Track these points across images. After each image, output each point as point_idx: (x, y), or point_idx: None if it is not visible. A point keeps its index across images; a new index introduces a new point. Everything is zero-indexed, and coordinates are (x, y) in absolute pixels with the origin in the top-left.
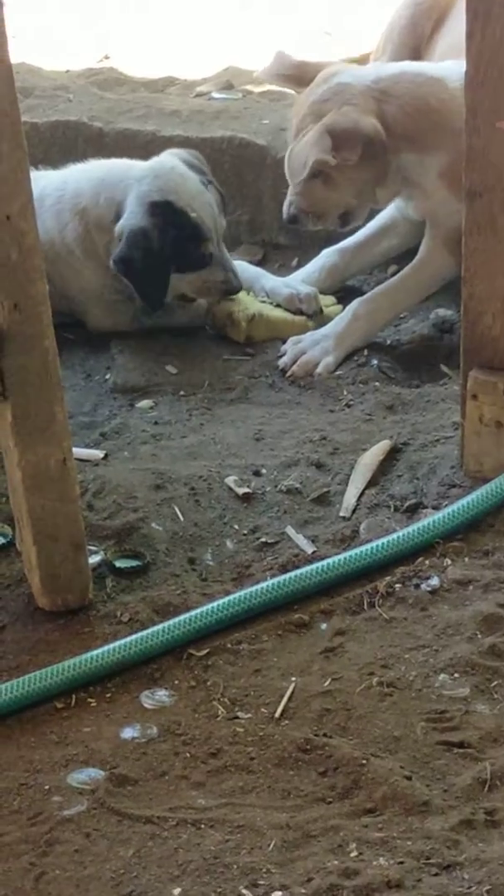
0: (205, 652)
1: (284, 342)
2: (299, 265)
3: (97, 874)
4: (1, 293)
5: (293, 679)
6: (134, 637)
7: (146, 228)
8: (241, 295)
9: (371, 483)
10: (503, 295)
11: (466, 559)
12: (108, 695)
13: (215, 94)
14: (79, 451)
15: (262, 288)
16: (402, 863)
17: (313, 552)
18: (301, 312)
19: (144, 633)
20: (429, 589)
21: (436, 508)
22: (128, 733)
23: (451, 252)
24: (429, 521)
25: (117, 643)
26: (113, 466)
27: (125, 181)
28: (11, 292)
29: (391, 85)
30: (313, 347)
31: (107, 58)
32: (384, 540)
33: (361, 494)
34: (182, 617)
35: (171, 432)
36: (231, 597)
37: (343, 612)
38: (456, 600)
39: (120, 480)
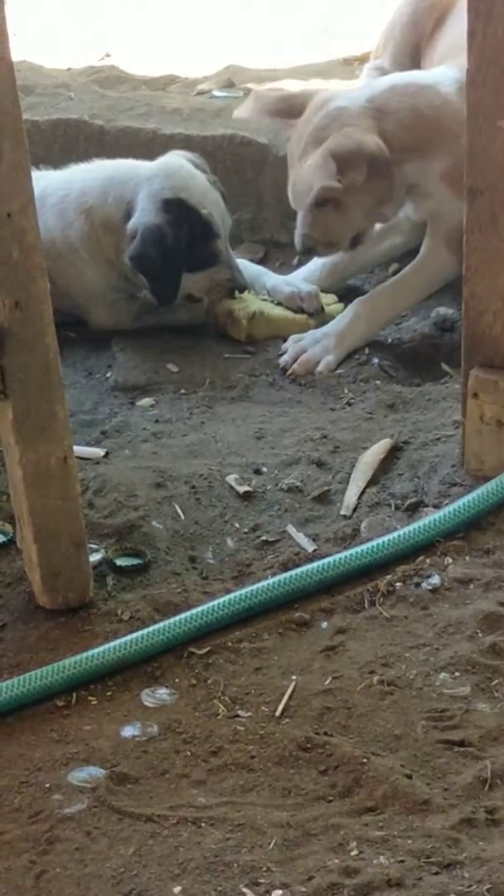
0: (205, 650)
1: (285, 340)
2: (300, 263)
3: (98, 872)
4: (2, 291)
5: (294, 677)
6: (134, 635)
7: (160, 225)
8: (243, 293)
9: (372, 481)
10: None
11: (467, 558)
12: (109, 693)
13: (216, 93)
14: (80, 450)
15: (263, 286)
16: (402, 861)
17: (314, 550)
18: (302, 311)
19: (145, 631)
20: (429, 587)
21: (436, 507)
22: (128, 731)
23: (453, 251)
24: (429, 519)
25: (118, 641)
26: (114, 464)
27: (134, 180)
28: (12, 290)
29: (385, 101)
30: (314, 346)
31: (108, 56)
32: (385, 538)
33: (362, 493)
34: (183, 615)
35: (172, 430)
36: (232, 595)
37: (344, 611)
38: (457, 599)
39: (121, 479)
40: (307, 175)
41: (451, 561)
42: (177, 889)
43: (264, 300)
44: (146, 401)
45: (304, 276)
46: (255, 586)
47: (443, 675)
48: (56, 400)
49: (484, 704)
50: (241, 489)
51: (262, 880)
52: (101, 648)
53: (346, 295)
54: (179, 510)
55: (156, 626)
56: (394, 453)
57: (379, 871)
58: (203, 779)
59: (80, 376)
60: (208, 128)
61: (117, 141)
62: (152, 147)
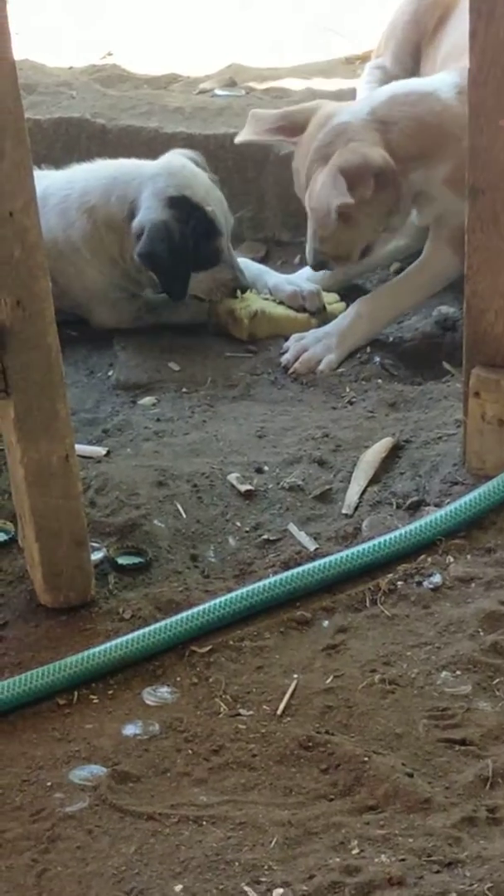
0: (207, 649)
1: (287, 339)
2: (302, 262)
3: (99, 871)
4: (4, 290)
5: (295, 676)
6: (136, 634)
7: (167, 221)
8: (245, 293)
9: (373, 480)
10: None
11: (468, 557)
12: (110, 691)
13: (218, 91)
14: (81, 448)
15: (265, 285)
16: (403, 860)
17: (315, 549)
18: (304, 309)
19: (146, 629)
20: (431, 586)
21: (438, 506)
22: (130, 730)
23: (456, 251)
24: (431, 518)
25: (119, 640)
26: (115, 463)
27: (137, 179)
28: (14, 289)
29: (387, 112)
30: (316, 344)
31: (110, 54)
32: (386, 537)
33: (364, 492)
34: (184, 614)
35: (174, 429)
36: (233, 594)
37: (345, 610)
38: (458, 598)
39: (122, 477)
40: (321, 195)
41: (452, 560)
42: (178, 887)
43: (266, 299)
44: (148, 399)
45: (307, 276)
46: (256, 585)
47: (444, 673)
48: (58, 398)
49: (485, 703)
50: (243, 488)
51: (263, 879)
52: (102, 647)
53: (349, 294)
54: (181, 509)
55: (157, 625)
56: (395, 452)
57: (380, 870)
58: (204, 777)
59: (81, 375)
60: (210, 126)
61: (119, 140)
62: (154, 146)
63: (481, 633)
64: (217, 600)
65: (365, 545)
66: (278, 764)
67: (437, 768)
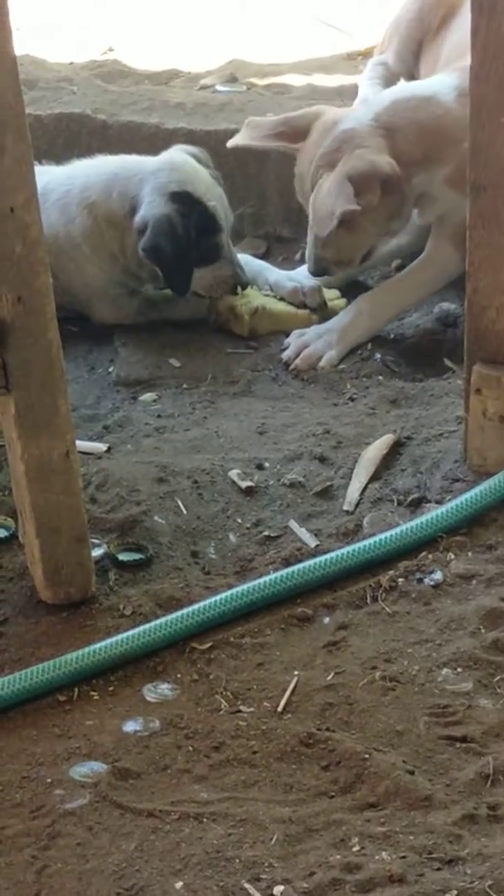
0: (207, 645)
1: (288, 336)
2: (303, 258)
3: (99, 867)
4: (5, 286)
5: (296, 673)
6: (136, 630)
7: (170, 215)
8: (245, 289)
9: (374, 477)
10: None
11: (469, 554)
12: (111, 688)
13: (219, 87)
14: (82, 444)
15: (265, 281)
16: (404, 857)
17: (316, 546)
18: (305, 306)
19: (147, 626)
20: (432, 583)
21: (439, 503)
22: (130, 727)
23: (457, 248)
24: (432, 515)
25: (120, 636)
26: (116, 459)
27: (139, 175)
28: (15, 285)
29: (390, 118)
30: (317, 341)
31: (111, 50)
32: (387, 534)
33: (365, 488)
34: (185, 610)
35: (175, 425)
36: (234, 590)
37: (346, 607)
38: (459, 595)
39: (123, 473)
40: (326, 200)
41: (453, 557)
42: (178, 884)
43: (267, 295)
44: (148, 396)
45: (307, 272)
46: (257, 581)
47: (445, 670)
48: (58, 395)
49: (486, 700)
50: (244, 484)
51: (263, 876)
52: (102, 643)
53: (350, 290)
54: (181, 505)
55: (158, 622)
56: (396, 449)
57: (381, 867)
58: (205, 774)
59: (82, 371)
60: (211, 122)
61: (120, 135)
62: (155, 141)
63: (482, 630)
64: (218, 597)
65: (366, 542)
66: (279, 761)
67: (438, 765)
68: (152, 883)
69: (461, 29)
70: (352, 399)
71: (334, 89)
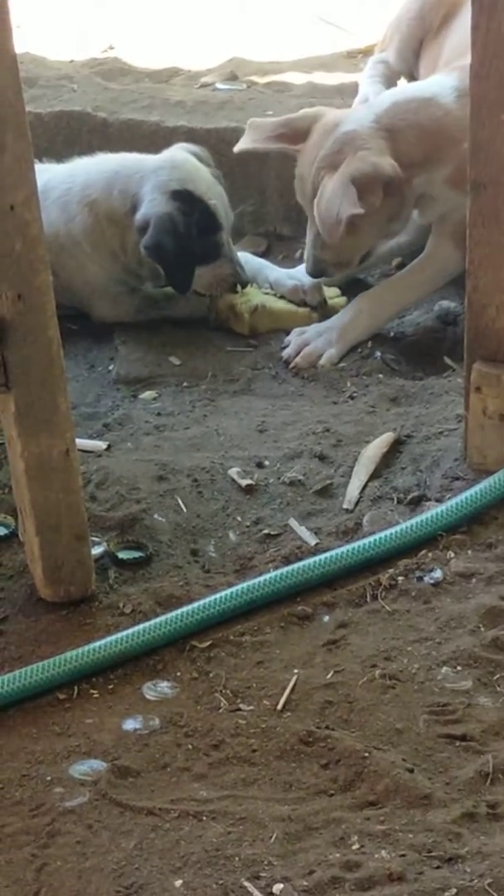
0: (207, 644)
1: (288, 334)
2: (303, 257)
3: (99, 866)
4: (5, 283)
5: (295, 671)
6: (136, 628)
7: (172, 213)
8: (245, 288)
9: (374, 475)
10: None
11: (469, 552)
12: (111, 686)
13: (220, 85)
14: (82, 442)
15: (265, 279)
16: (403, 855)
17: (316, 544)
18: (305, 304)
19: (147, 624)
20: (432, 581)
21: (439, 501)
22: (130, 725)
23: (458, 246)
24: (432, 513)
25: (119, 634)
26: (116, 457)
27: (140, 173)
28: (15, 283)
29: (391, 121)
30: (317, 339)
31: (111, 48)
32: (387, 532)
33: (364, 487)
34: (184, 608)
35: (174, 423)
36: (233, 588)
37: (346, 605)
38: (459, 593)
39: (123, 471)
40: (331, 204)
41: (453, 555)
42: (178, 882)
43: (267, 293)
44: (148, 394)
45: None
46: (256, 580)
47: (444, 669)
48: (58, 392)
49: (486, 699)
50: (244, 482)
51: (263, 874)
52: (102, 641)
53: (350, 288)
54: (181, 503)
55: (157, 620)
56: (396, 447)
57: (380, 866)
58: (204, 772)
59: (82, 369)
60: (211, 120)
61: (120, 133)
62: (155, 139)
63: (482, 629)
64: (217, 595)
65: (365, 540)
66: (278, 759)
67: (438, 764)
68: (152, 881)
69: (462, 28)
70: (352, 397)
71: (335, 87)
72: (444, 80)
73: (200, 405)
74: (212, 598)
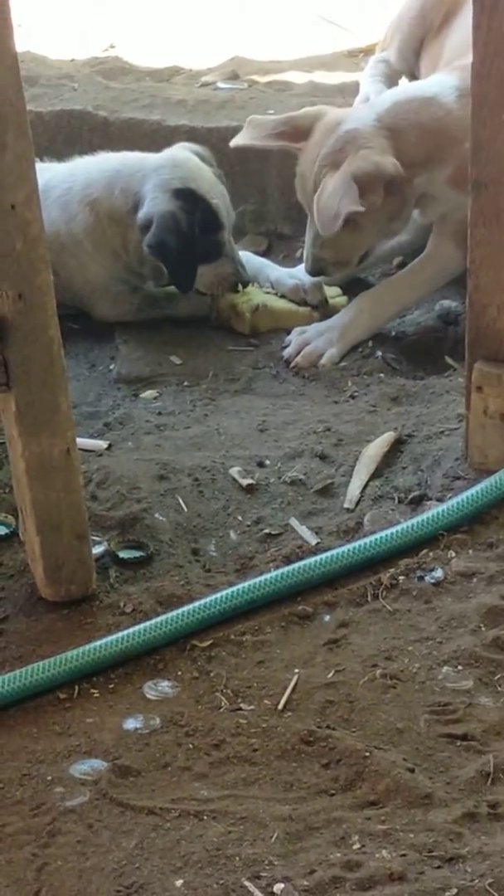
0: (208, 643)
1: (289, 333)
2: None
3: (99, 865)
4: (5, 283)
5: (296, 671)
6: (137, 628)
7: (174, 212)
8: (246, 287)
9: (375, 475)
10: None
11: (470, 551)
12: (111, 685)
13: (221, 84)
14: (82, 442)
15: (266, 278)
16: (404, 855)
17: (317, 544)
18: (306, 303)
19: (147, 623)
20: (433, 581)
21: (440, 500)
22: (130, 724)
23: (459, 245)
24: (433, 513)
25: (120, 634)
26: (116, 457)
27: (142, 171)
28: (16, 282)
29: (392, 120)
30: (318, 338)
31: (112, 47)
32: (388, 532)
33: (365, 486)
34: (185, 608)
35: (175, 423)
36: (234, 588)
37: (347, 604)
38: (460, 592)
39: (123, 471)
40: (331, 200)
41: (454, 554)
42: (178, 882)
43: (268, 293)
44: (149, 393)
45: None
46: (257, 579)
47: (445, 668)
48: (59, 392)
49: (487, 698)
50: (244, 482)
51: (263, 874)
52: (103, 641)
53: (351, 287)
54: (182, 503)
55: (158, 619)
56: (397, 446)
57: (381, 865)
58: (205, 772)
59: (83, 368)
60: (212, 119)
61: (121, 132)
62: (156, 138)
63: (483, 628)
64: (218, 594)
65: (366, 540)
66: (279, 759)
67: (439, 763)
68: (152, 881)
69: (463, 27)
70: (353, 397)
71: (336, 87)
72: (445, 79)
73: (201, 404)
74: (212, 597)
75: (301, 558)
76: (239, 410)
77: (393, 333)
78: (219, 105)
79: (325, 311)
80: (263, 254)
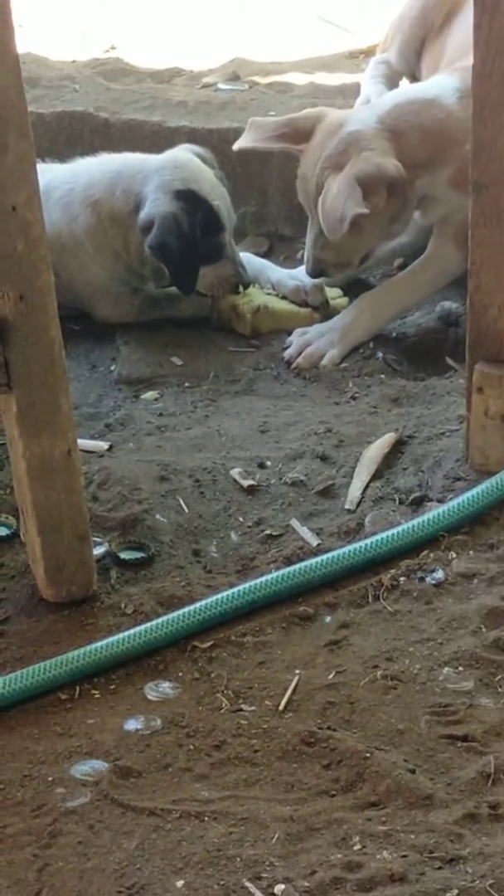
0: (209, 644)
1: (290, 334)
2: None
3: (100, 866)
4: (6, 284)
5: (297, 672)
6: (138, 629)
7: (176, 213)
8: (247, 288)
9: (376, 476)
10: None
11: (471, 552)
12: (112, 686)
13: (221, 85)
14: (83, 443)
15: (267, 280)
16: (405, 856)
17: (318, 545)
18: (307, 304)
19: (148, 624)
20: (433, 582)
21: (441, 502)
22: (131, 725)
23: (459, 247)
24: (433, 514)
25: (121, 635)
26: (118, 458)
27: (143, 172)
28: (17, 283)
29: (394, 122)
30: (319, 339)
31: (113, 48)
32: (389, 533)
33: (366, 487)
34: (186, 609)
35: (176, 424)
36: (235, 589)
37: (347, 605)
38: (460, 594)
39: (124, 472)
40: (335, 203)
41: (454, 556)
42: (179, 883)
43: (269, 294)
44: (150, 394)
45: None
46: (258, 580)
47: (446, 669)
48: (60, 393)
49: (487, 699)
50: (245, 483)
51: (264, 874)
52: (104, 642)
53: (352, 289)
54: (183, 504)
55: (159, 620)
56: (398, 448)
57: (382, 866)
58: (206, 773)
59: (84, 369)
60: (213, 121)
61: (122, 133)
62: (157, 140)
63: (483, 630)
64: (219, 595)
65: (367, 541)
66: (280, 759)
67: (439, 764)
68: (153, 881)
69: (464, 27)
70: (353, 398)
71: (336, 88)
72: (446, 81)
73: (202, 405)
74: (213, 598)
75: (302, 559)
76: (240, 411)
77: (394, 334)
78: (219, 106)
79: (326, 312)
80: (264, 255)
